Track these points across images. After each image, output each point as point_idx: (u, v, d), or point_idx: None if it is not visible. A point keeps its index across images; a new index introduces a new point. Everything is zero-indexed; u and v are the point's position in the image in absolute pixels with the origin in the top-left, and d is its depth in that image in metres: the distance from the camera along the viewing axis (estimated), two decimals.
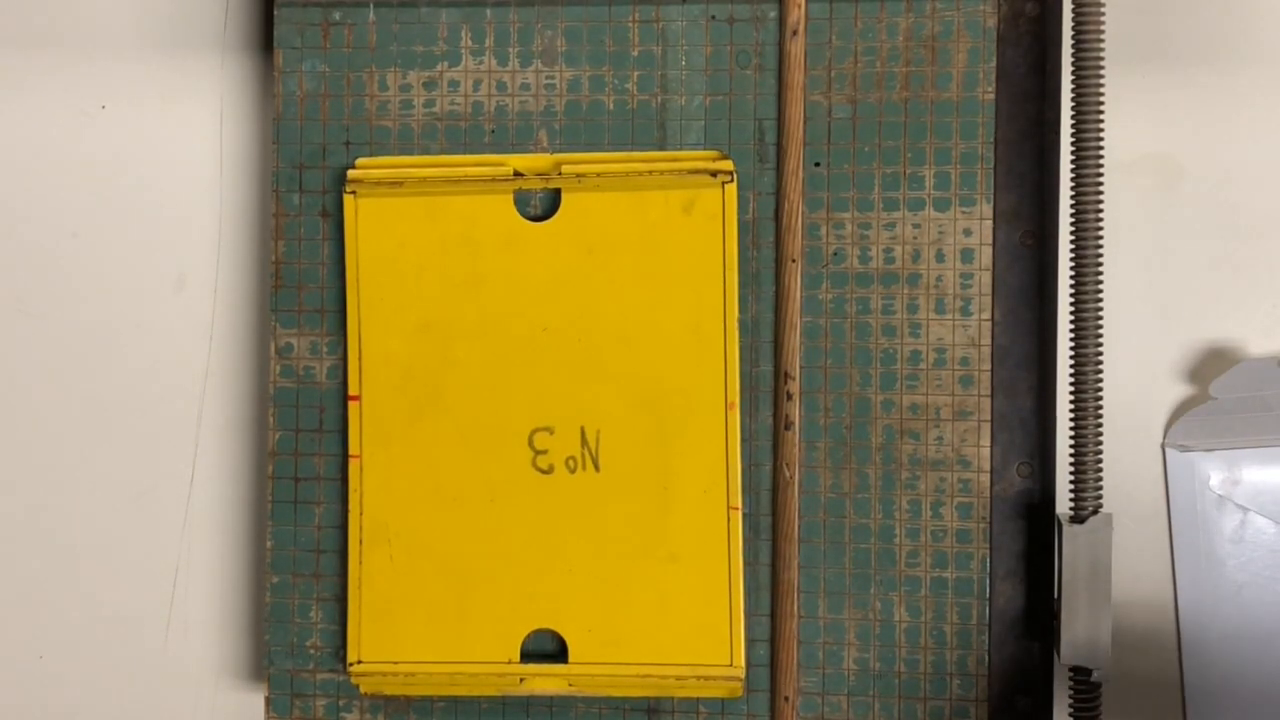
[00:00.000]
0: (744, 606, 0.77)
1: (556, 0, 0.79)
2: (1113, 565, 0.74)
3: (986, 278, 0.77)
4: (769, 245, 0.78)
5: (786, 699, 0.78)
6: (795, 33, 0.77)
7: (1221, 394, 0.77)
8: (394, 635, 0.79)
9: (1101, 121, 0.73)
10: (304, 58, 0.80)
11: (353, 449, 0.79)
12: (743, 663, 0.77)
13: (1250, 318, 0.79)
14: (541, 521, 0.78)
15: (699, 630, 0.77)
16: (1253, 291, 0.79)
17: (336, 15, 0.80)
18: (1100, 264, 0.73)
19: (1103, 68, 0.73)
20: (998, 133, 0.77)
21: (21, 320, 0.84)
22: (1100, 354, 0.73)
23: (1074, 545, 0.73)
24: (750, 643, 0.78)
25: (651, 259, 0.77)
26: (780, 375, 0.78)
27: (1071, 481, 0.74)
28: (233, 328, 0.83)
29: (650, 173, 0.77)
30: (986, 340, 0.77)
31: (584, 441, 0.78)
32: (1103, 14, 0.73)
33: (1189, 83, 0.79)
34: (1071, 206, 0.74)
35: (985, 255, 0.77)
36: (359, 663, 0.79)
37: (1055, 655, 0.75)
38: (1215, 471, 0.77)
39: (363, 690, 0.79)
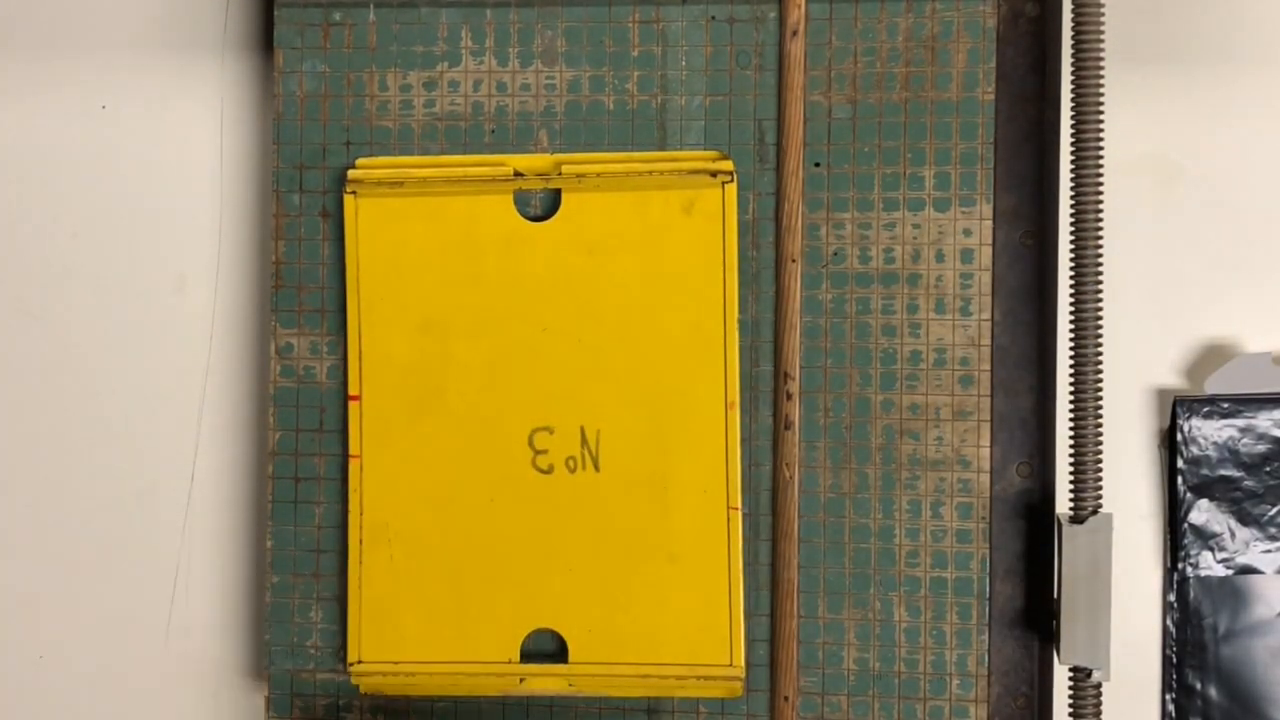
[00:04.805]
0: (744, 606, 0.77)
1: (556, 0, 0.79)
2: (1113, 565, 0.74)
3: (986, 278, 0.77)
4: (769, 245, 0.78)
5: (786, 699, 0.78)
6: (795, 33, 0.77)
7: (1217, 389, 0.77)
8: (394, 635, 0.79)
9: (1101, 121, 0.73)
10: (304, 58, 0.80)
11: (353, 449, 0.79)
12: (743, 663, 0.77)
13: (1249, 317, 0.79)
14: (541, 521, 0.78)
15: (699, 630, 0.77)
16: (1252, 291, 0.79)
17: (337, 15, 0.80)
18: (1100, 264, 0.73)
19: (1103, 68, 0.73)
20: (997, 133, 0.77)
21: (21, 320, 0.84)
22: (1100, 354, 0.73)
23: (1074, 545, 0.73)
24: (750, 643, 0.78)
25: (651, 259, 0.77)
26: (780, 375, 0.78)
27: (1071, 481, 0.74)
28: (233, 328, 0.83)
29: (650, 173, 0.77)
30: (986, 340, 0.77)
31: (584, 441, 0.78)
32: (1103, 14, 0.73)
33: (1189, 83, 0.79)
34: (1071, 206, 0.74)
35: (985, 255, 0.77)
36: (359, 663, 0.79)
37: (1055, 655, 0.75)
38: None
39: (363, 690, 0.79)
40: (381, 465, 0.79)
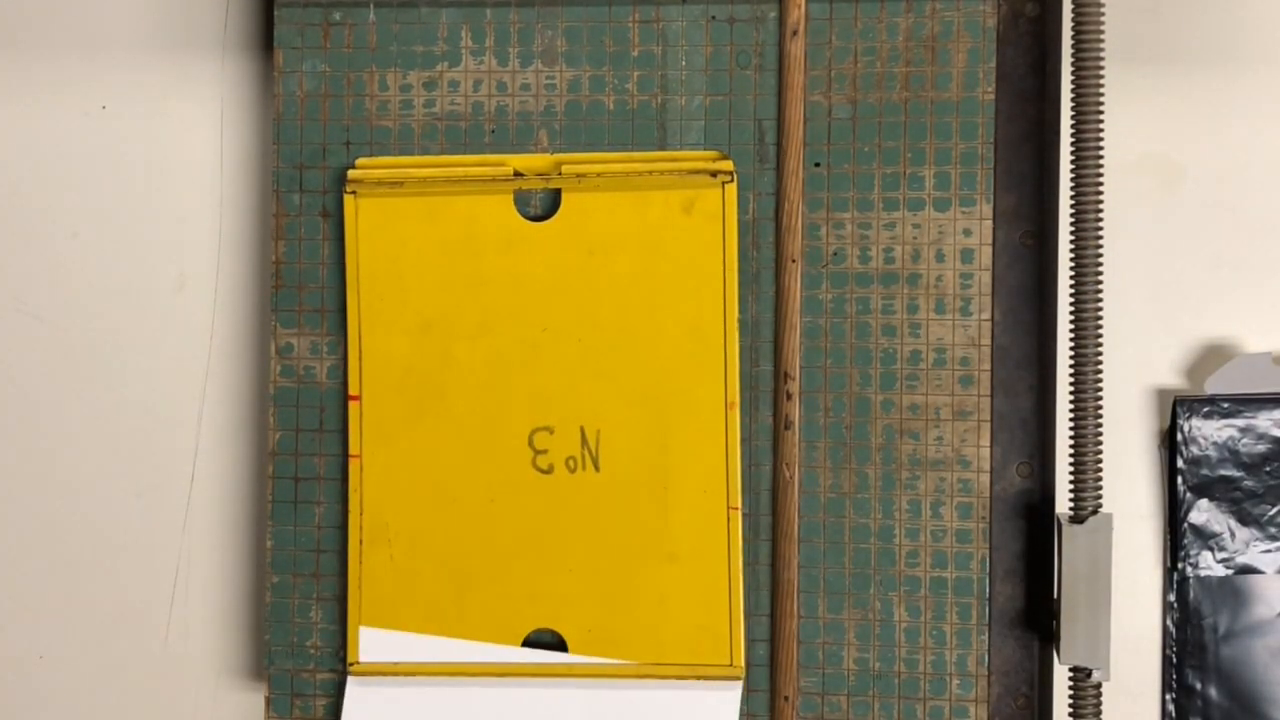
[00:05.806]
0: (744, 606, 0.77)
1: (556, 0, 0.79)
2: (1113, 565, 0.74)
3: (986, 278, 0.77)
4: (769, 245, 0.78)
5: (786, 699, 0.78)
6: (795, 33, 0.77)
7: (1217, 389, 0.77)
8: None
9: (1101, 121, 0.73)
10: (304, 58, 0.80)
11: (353, 449, 0.79)
12: (743, 663, 0.77)
13: (1249, 317, 0.79)
14: (541, 521, 0.78)
15: (699, 630, 0.77)
16: (1252, 291, 0.79)
17: (336, 15, 0.80)
18: (1100, 264, 0.73)
19: (1103, 68, 0.73)
20: (998, 133, 0.77)
21: (21, 320, 0.84)
22: (1100, 354, 0.73)
23: (1074, 545, 0.73)
24: (750, 643, 0.78)
25: (651, 259, 0.77)
26: (780, 375, 0.78)
27: (1071, 481, 0.74)
28: (233, 328, 0.83)
29: (650, 173, 0.77)
30: (986, 340, 0.77)
31: (584, 441, 0.78)
32: (1103, 14, 0.73)
33: (1189, 83, 0.79)
34: (1071, 206, 0.74)
35: (985, 255, 0.77)
36: (359, 663, 0.79)
37: (1055, 655, 0.75)
38: None
39: None
40: (381, 465, 0.79)
